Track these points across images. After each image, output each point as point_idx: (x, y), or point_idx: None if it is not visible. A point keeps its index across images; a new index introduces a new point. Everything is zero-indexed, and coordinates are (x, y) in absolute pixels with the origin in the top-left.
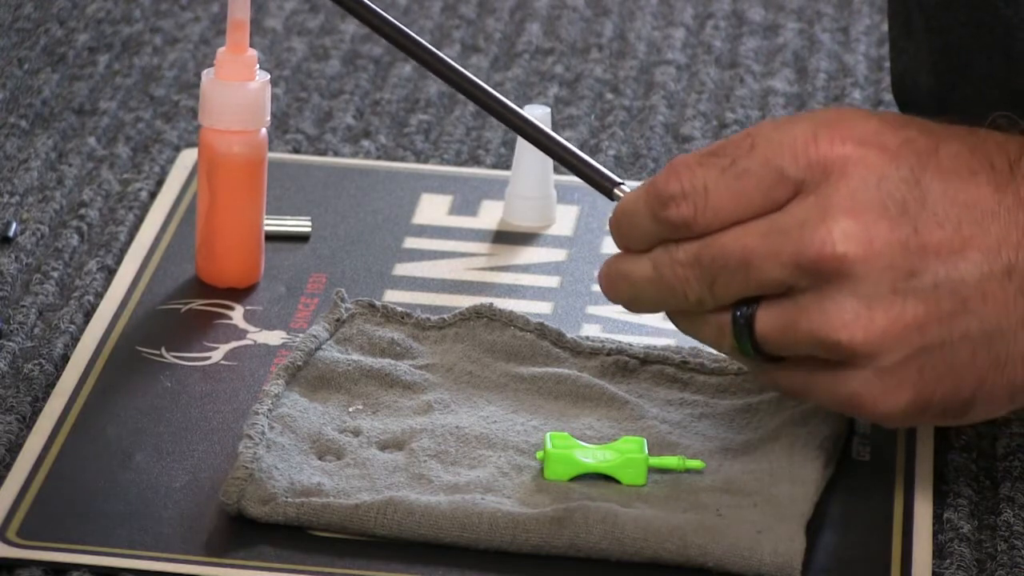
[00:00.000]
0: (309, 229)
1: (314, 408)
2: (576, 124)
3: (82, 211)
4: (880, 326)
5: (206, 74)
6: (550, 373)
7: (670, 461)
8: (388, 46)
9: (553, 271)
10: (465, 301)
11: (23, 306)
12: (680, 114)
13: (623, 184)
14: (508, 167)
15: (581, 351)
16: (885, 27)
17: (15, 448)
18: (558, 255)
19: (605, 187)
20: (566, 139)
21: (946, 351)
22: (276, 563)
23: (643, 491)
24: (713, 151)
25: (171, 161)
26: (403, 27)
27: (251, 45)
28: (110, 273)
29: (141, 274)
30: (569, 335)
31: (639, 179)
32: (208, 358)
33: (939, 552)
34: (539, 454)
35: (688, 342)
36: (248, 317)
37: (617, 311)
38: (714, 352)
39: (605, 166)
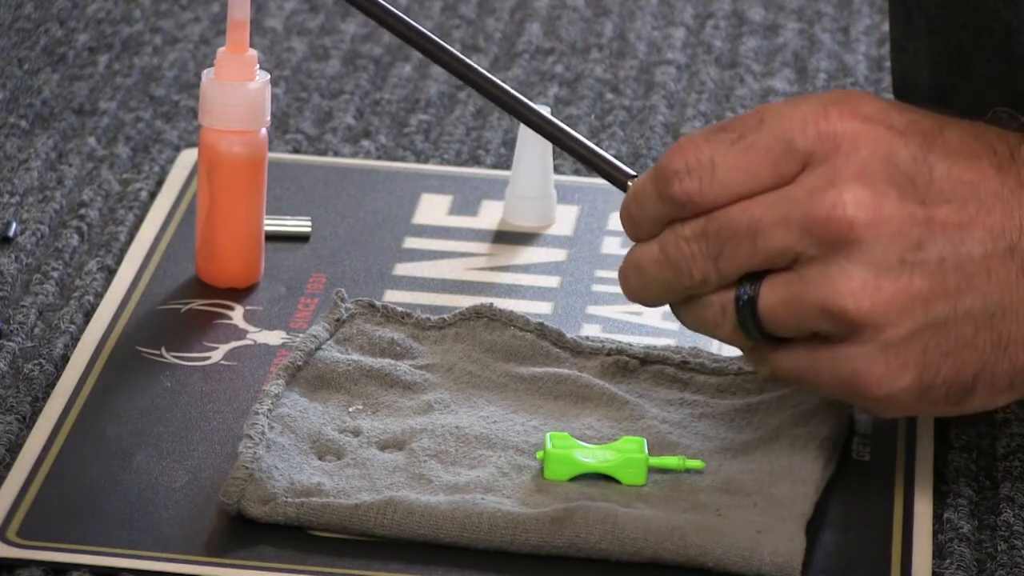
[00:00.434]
0: (309, 229)
1: (314, 408)
2: (576, 124)
3: (82, 211)
4: (887, 295)
5: (206, 74)
6: (550, 373)
7: (670, 461)
8: (388, 46)
9: (553, 271)
10: (465, 301)
11: (23, 306)
12: (680, 114)
13: (636, 177)
14: (508, 167)
15: (581, 351)
16: (885, 27)
17: (15, 448)
18: (558, 255)
19: (619, 180)
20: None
21: (950, 329)
22: (276, 563)
23: (643, 491)
24: (722, 127)
25: (171, 161)
26: (429, 32)
27: (251, 45)
28: (110, 273)
29: (141, 274)
30: (569, 335)
31: None
32: (208, 358)
33: (939, 552)
34: (539, 454)
35: (688, 342)
36: (248, 317)
37: (617, 311)
38: (714, 352)
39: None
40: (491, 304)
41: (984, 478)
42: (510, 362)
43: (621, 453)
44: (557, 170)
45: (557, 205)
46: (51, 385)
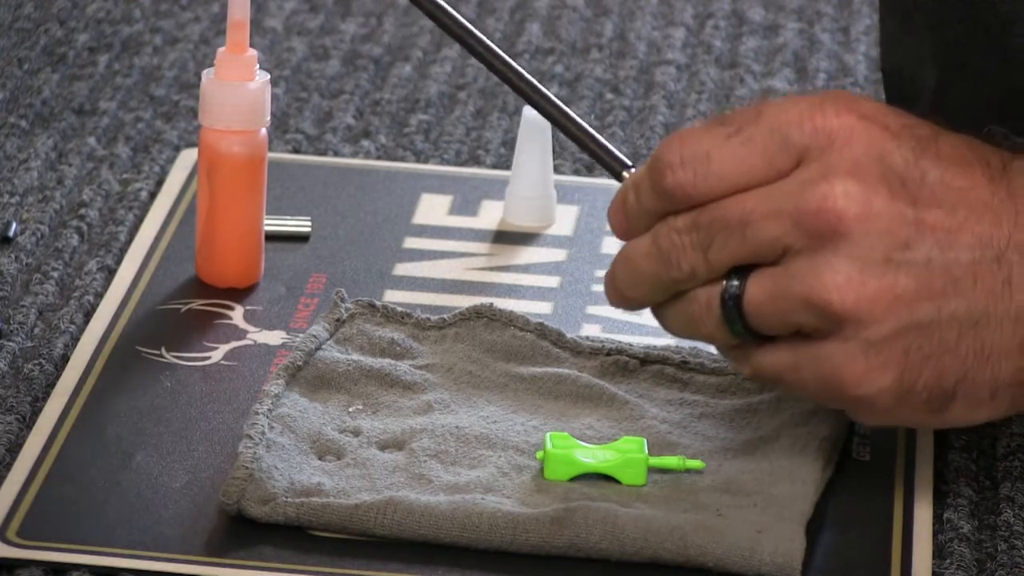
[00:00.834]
0: (309, 229)
1: (314, 408)
2: None
3: (82, 211)
4: (871, 291)
5: (206, 74)
6: (550, 373)
7: (670, 461)
8: (388, 46)
9: (553, 271)
10: (465, 301)
11: (23, 306)
12: (680, 114)
13: (633, 168)
14: (508, 167)
15: (581, 351)
16: None
17: (15, 448)
18: (558, 255)
19: (614, 168)
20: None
21: (934, 331)
22: (276, 563)
23: (643, 491)
24: (720, 120)
25: (171, 161)
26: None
27: (251, 45)
28: (110, 273)
29: (141, 274)
30: (569, 335)
31: None
32: (208, 358)
33: (939, 552)
34: (539, 454)
35: (688, 342)
36: (248, 317)
37: (617, 311)
38: (714, 352)
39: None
40: (491, 304)
41: (984, 478)
42: (510, 362)
43: (621, 453)
44: (557, 170)
45: (557, 205)
46: (51, 385)
